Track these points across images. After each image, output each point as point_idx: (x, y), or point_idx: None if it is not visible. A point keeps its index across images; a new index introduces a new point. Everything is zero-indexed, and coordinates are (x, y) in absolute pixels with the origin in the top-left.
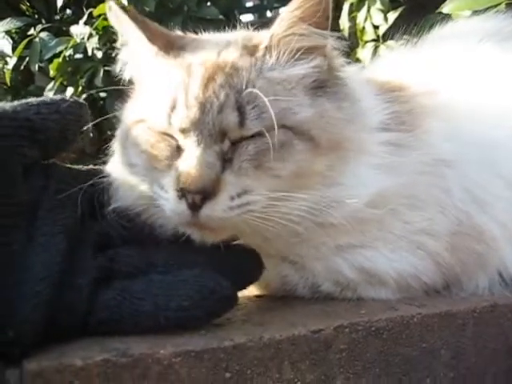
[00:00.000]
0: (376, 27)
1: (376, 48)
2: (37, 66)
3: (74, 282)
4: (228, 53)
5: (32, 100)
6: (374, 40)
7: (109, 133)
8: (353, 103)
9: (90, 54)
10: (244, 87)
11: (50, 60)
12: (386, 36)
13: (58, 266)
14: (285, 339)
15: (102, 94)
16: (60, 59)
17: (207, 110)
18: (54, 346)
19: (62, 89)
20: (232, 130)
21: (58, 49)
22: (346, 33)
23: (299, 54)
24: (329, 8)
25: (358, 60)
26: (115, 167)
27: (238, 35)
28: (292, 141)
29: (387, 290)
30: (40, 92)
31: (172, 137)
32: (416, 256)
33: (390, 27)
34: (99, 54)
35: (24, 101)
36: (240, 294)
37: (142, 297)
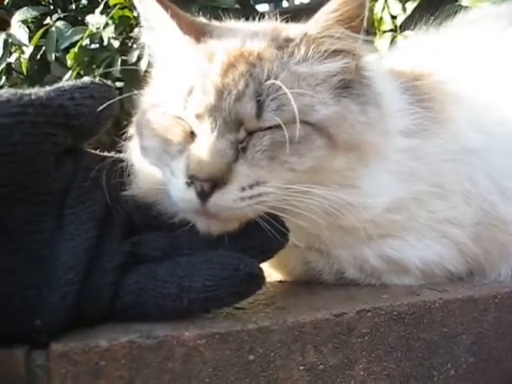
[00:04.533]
0: (394, 17)
1: (393, 38)
2: (53, 56)
3: (100, 267)
4: (254, 42)
5: (64, 85)
6: (391, 30)
7: (125, 123)
8: (377, 107)
9: (105, 43)
10: (265, 78)
11: (66, 49)
12: (404, 26)
13: (85, 253)
14: (308, 323)
15: (119, 84)
16: (76, 49)
17: (224, 97)
18: (80, 328)
19: (78, 78)
20: (248, 120)
21: (75, 38)
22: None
23: (329, 53)
24: (365, 12)
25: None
26: (134, 153)
27: (266, 26)
28: (311, 136)
29: (411, 277)
30: (56, 82)
31: (186, 122)
32: (441, 244)
33: (408, 17)
34: (116, 44)
35: (56, 86)
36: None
37: (167, 279)
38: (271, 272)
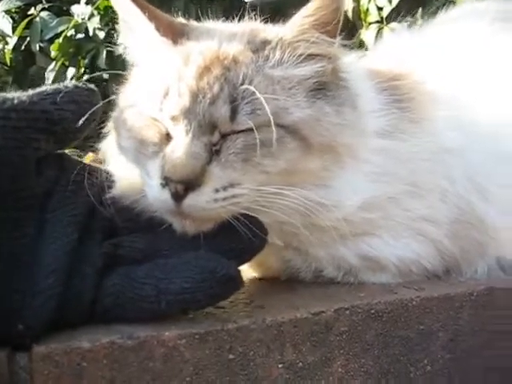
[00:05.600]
0: (380, 9)
1: (380, 30)
2: (37, 46)
3: (81, 270)
4: (230, 45)
5: (47, 89)
6: (377, 22)
7: (110, 114)
8: (353, 108)
9: (91, 34)
10: (240, 82)
11: (51, 40)
12: (390, 18)
13: (67, 257)
14: (287, 321)
15: (105, 76)
16: (61, 39)
17: (199, 101)
18: (62, 330)
19: (63, 70)
20: (222, 123)
21: (59, 29)
22: (349, 14)
23: (304, 57)
24: (341, 17)
25: (361, 41)
26: (112, 150)
27: (244, 27)
28: (284, 139)
29: (388, 275)
30: (41, 73)
31: (162, 124)
32: (417, 242)
33: (394, 9)
34: (101, 35)
35: (39, 90)
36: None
37: (145, 281)
38: (251, 269)
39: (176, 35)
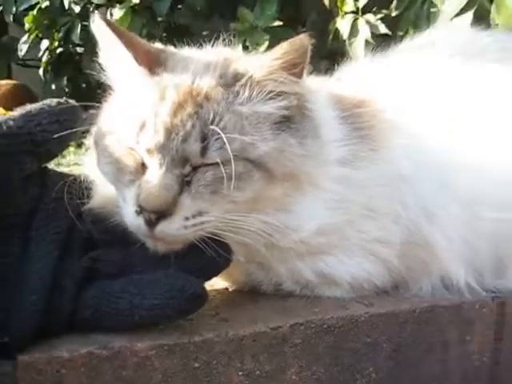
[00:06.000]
0: None
1: (355, 20)
2: (11, 17)
3: (61, 285)
4: (203, 80)
5: (32, 109)
6: (353, 12)
7: (83, 86)
8: (315, 139)
9: (66, 7)
10: (211, 120)
11: (25, 11)
12: (365, 10)
13: (50, 274)
14: (247, 335)
15: (79, 49)
16: (35, 12)
17: (172, 138)
18: (43, 340)
19: (37, 41)
20: (194, 157)
21: (34, 0)
22: (326, 2)
23: (272, 95)
24: (307, 60)
25: (336, 30)
26: (91, 167)
27: (218, 57)
28: (250, 172)
29: (342, 290)
30: (14, 43)
31: (138, 154)
32: (369, 262)
33: (370, 1)
34: (76, 9)
35: (25, 110)
36: (211, 286)
37: (120, 295)
38: (219, 279)
39: (153, 64)
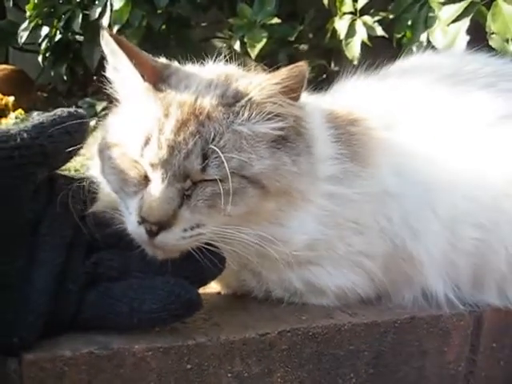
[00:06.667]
0: (355, 0)
1: (353, 21)
2: (11, 2)
3: (66, 288)
4: (205, 99)
5: (44, 121)
6: (351, 13)
7: (81, 73)
8: (309, 157)
9: None
10: (212, 138)
11: None
12: (364, 11)
13: (56, 279)
14: (237, 340)
15: (79, 38)
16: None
17: (175, 154)
18: (47, 339)
19: (37, 27)
20: (194, 173)
21: None
22: (325, 1)
23: (270, 116)
24: (304, 85)
25: (334, 29)
26: (96, 172)
27: (220, 74)
28: (246, 188)
29: (327, 298)
30: (12, 27)
31: (142, 166)
32: (355, 273)
33: (368, 3)
34: None
35: (37, 121)
36: (204, 290)
37: (120, 299)
38: (213, 284)
39: (158, 80)
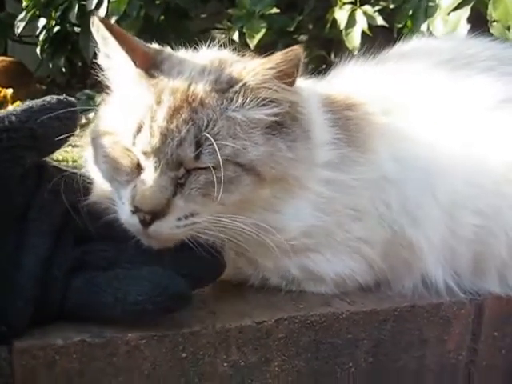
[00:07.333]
0: None
1: (353, 11)
2: None
3: (51, 273)
4: (198, 85)
5: (33, 105)
6: (351, 3)
7: (79, 64)
8: (305, 143)
9: None
10: (205, 126)
11: None
12: (364, 0)
13: (45, 264)
14: (234, 328)
15: (76, 29)
16: None
17: (168, 142)
18: (38, 328)
19: (34, 19)
20: (188, 161)
21: None
22: None
23: (265, 101)
24: (300, 70)
25: (334, 19)
26: (89, 163)
27: (213, 60)
28: (240, 176)
29: (326, 286)
30: (11, 19)
31: (134, 155)
32: (353, 260)
33: None
34: None
35: (26, 106)
36: None
37: (105, 289)
38: None
39: (150, 66)
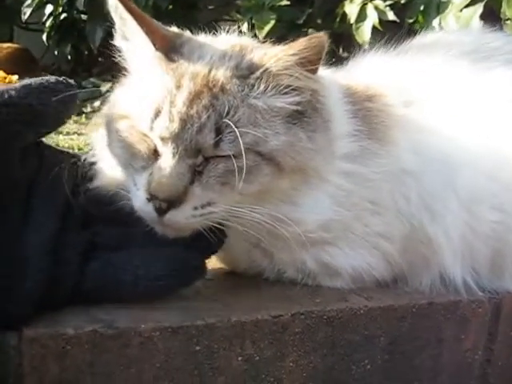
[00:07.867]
0: None
1: (364, 5)
2: None
3: (64, 257)
4: (219, 70)
5: (32, 82)
6: None
7: (86, 53)
8: (325, 133)
9: None
10: (226, 112)
11: None
12: None
13: (52, 245)
14: (249, 322)
15: (83, 16)
16: None
17: (187, 128)
18: (48, 314)
19: (41, 5)
20: (207, 148)
21: None
22: None
23: (287, 89)
24: (323, 58)
25: (344, 13)
26: (100, 145)
27: (234, 45)
28: (260, 166)
29: (343, 281)
30: (17, 6)
31: (151, 140)
32: (371, 255)
33: None
34: None
35: (25, 82)
36: (212, 269)
37: (125, 267)
38: (222, 264)
39: (169, 49)
